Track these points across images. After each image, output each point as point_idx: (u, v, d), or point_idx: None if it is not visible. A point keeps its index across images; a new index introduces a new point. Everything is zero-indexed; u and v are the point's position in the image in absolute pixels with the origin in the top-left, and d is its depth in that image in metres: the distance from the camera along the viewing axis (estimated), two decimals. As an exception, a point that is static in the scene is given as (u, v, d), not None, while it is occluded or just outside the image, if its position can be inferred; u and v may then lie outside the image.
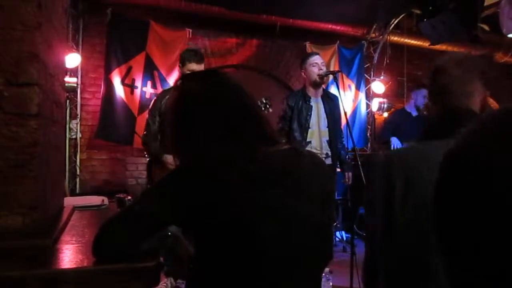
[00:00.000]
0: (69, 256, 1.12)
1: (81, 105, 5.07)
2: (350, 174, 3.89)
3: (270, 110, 3.34)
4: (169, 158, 3.08)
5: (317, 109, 3.62)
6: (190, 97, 1.19)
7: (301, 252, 1.07)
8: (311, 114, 3.58)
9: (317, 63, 3.54)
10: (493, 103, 1.50)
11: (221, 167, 1.05)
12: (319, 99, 3.64)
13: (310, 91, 3.62)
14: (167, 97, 3.13)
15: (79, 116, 5.02)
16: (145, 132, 3.30)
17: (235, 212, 1.03)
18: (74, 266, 1.02)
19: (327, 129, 3.63)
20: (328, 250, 1.19)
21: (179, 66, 3.20)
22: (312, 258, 1.11)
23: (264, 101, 3.28)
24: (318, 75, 3.50)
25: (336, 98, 3.76)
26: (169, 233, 1.35)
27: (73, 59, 4.60)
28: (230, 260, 1.04)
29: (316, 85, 3.59)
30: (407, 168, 1.17)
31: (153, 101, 3.33)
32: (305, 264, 1.09)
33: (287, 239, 1.05)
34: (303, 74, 3.69)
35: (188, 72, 3.04)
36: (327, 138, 3.63)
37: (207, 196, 1.03)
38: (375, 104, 6.35)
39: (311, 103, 3.59)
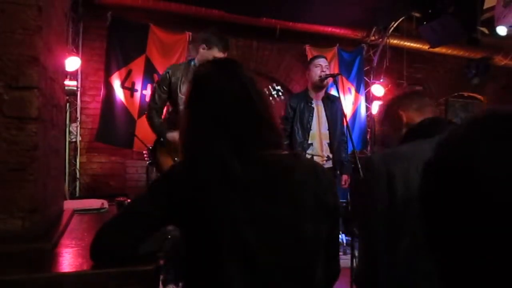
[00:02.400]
0: (68, 260, 1.12)
1: (81, 108, 5.07)
2: (347, 177, 3.87)
3: (282, 97, 3.29)
4: (176, 136, 2.93)
5: (318, 111, 3.64)
6: (201, 85, 1.17)
7: (286, 262, 1.05)
8: (312, 116, 3.60)
9: (320, 64, 3.57)
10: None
11: (211, 168, 1.05)
12: (320, 101, 3.66)
13: (312, 93, 3.65)
14: (176, 71, 3.09)
15: (79, 119, 5.02)
16: (150, 104, 3.21)
17: (222, 214, 1.02)
18: (73, 270, 1.02)
19: (327, 131, 3.64)
20: (316, 264, 1.10)
21: (202, 47, 3.05)
22: (298, 269, 1.07)
23: (276, 88, 3.23)
24: (319, 76, 3.52)
25: (337, 99, 3.74)
26: (169, 236, 1.35)
27: (73, 62, 4.60)
28: (217, 262, 1.02)
29: (316, 87, 3.60)
30: (386, 169, 1.25)
31: (162, 74, 3.25)
32: (291, 275, 1.05)
33: (272, 246, 1.03)
34: (307, 75, 3.73)
35: (212, 57, 2.92)
36: (328, 141, 3.64)
37: (196, 196, 1.04)
38: (375, 107, 6.36)
39: (313, 105, 3.61)
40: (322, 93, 3.67)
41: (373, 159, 1.36)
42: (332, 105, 3.68)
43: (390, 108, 1.52)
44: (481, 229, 0.40)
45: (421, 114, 1.42)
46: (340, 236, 5.11)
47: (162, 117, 3.23)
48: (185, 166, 1.12)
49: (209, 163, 1.06)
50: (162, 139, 3.09)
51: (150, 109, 3.16)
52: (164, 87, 3.10)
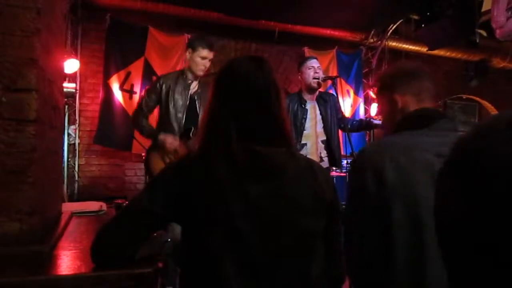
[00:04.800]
0: (66, 262, 1.12)
1: (80, 110, 5.06)
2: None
3: None
4: (168, 138, 2.97)
5: (313, 112, 3.62)
6: (228, 73, 1.19)
7: (283, 256, 1.06)
8: (306, 117, 3.58)
9: (313, 66, 3.53)
10: (491, 109, 1.54)
11: (212, 162, 1.06)
12: (314, 102, 3.64)
13: (306, 95, 3.63)
14: (167, 80, 3.10)
15: (77, 121, 5.01)
16: (136, 109, 3.21)
17: (218, 208, 1.03)
18: (71, 272, 1.02)
19: (323, 129, 3.63)
20: (316, 267, 1.11)
21: (188, 52, 3.11)
22: (294, 263, 1.07)
23: None
24: (314, 78, 3.50)
25: (331, 97, 3.74)
26: (168, 240, 1.35)
27: (72, 65, 4.59)
28: (215, 257, 1.03)
29: (311, 89, 3.58)
30: (376, 159, 1.23)
31: (153, 83, 3.25)
32: (287, 269, 1.06)
33: (268, 241, 1.04)
34: (299, 77, 3.69)
35: (200, 58, 3.04)
36: (324, 138, 3.63)
37: (193, 191, 1.05)
38: (373, 109, 6.36)
39: (306, 107, 3.59)
40: (316, 94, 3.66)
41: (365, 149, 1.35)
42: (326, 104, 3.66)
43: (386, 89, 1.45)
44: (498, 232, 0.40)
45: (418, 101, 1.38)
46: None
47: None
48: (185, 164, 1.14)
49: (213, 158, 1.07)
50: (154, 140, 3.09)
51: (137, 114, 3.16)
52: (153, 96, 3.12)
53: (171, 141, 2.98)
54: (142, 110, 3.13)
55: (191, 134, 3.05)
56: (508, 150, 0.41)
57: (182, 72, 3.20)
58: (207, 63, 3.09)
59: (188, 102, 3.12)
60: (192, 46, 3.08)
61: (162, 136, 3.00)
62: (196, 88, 3.18)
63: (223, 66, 1.21)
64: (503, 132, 0.43)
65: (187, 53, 3.12)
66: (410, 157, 1.20)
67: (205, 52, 3.04)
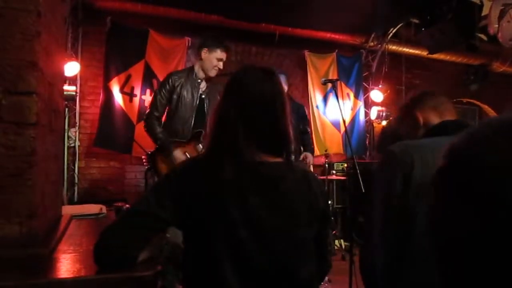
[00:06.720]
0: (66, 265, 1.12)
1: (80, 113, 5.06)
2: (310, 156, 3.97)
3: None
4: (181, 158, 2.91)
5: None
6: (236, 81, 1.23)
7: (279, 262, 1.10)
8: None
9: None
10: (491, 113, 1.56)
11: (217, 170, 1.09)
12: None
13: None
14: (178, 77, 3.10)
15: (77, 124, 5.01)
16: (148, 111, 3.13)
17: (217, 215, 1.07)
18: (71, 275, 1.02)
19: None
20: (308, 268, 1.17)
21: (203, 51, 3.08)
22: (287, 268, 1.11)
23: None
24: None
25: (299, 108, 4.01)
26: (167, 242, 1.35)
27: (72, 68, 4.60)
28: (213, 261, 1.06)
29: None
30: (408, 158, 1.25)
31: (163, 80, 3.23)
32: (282, 274, 1.10)
33: (266, 248, 1.08)
34: None
35: (216, 59, 3.05)
36: None
37: (195, 197, 1.08)
38: (373, 113, 6.36)
39: None
40: None
41: (394, 148, 1.32)
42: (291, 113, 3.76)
43: (407, 109, 1.51)
44: (491, 233, 0.40)
45: (438, 114, 1.41)
46: (338, 241, 5.11)
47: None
48: (188, 169, 1.16)
49: (216, 165, 1.11)
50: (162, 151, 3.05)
51: (151, 118, 3.09)
52: (164, 92, 3.09)
53: (180, 158, 2.94)
54: (157, 112, 3.09)
55: (201, 138, 3.04)
56: (495, 158, 0.41)
57: (192, 70, 3.17)
58: (221, 65, 3.09)
59: (197, 102, 3.10)
60: (208, 46, 3.07)
61: (177, 155, 2.95)
62: (204, 88, 3.17)
63: (235, 72, 1.26)
64: (490, 140, 0.43)
65: (202, 53, 3.10)
66: (437, 158, 1.19)
67: (222, 54, 3.06)
